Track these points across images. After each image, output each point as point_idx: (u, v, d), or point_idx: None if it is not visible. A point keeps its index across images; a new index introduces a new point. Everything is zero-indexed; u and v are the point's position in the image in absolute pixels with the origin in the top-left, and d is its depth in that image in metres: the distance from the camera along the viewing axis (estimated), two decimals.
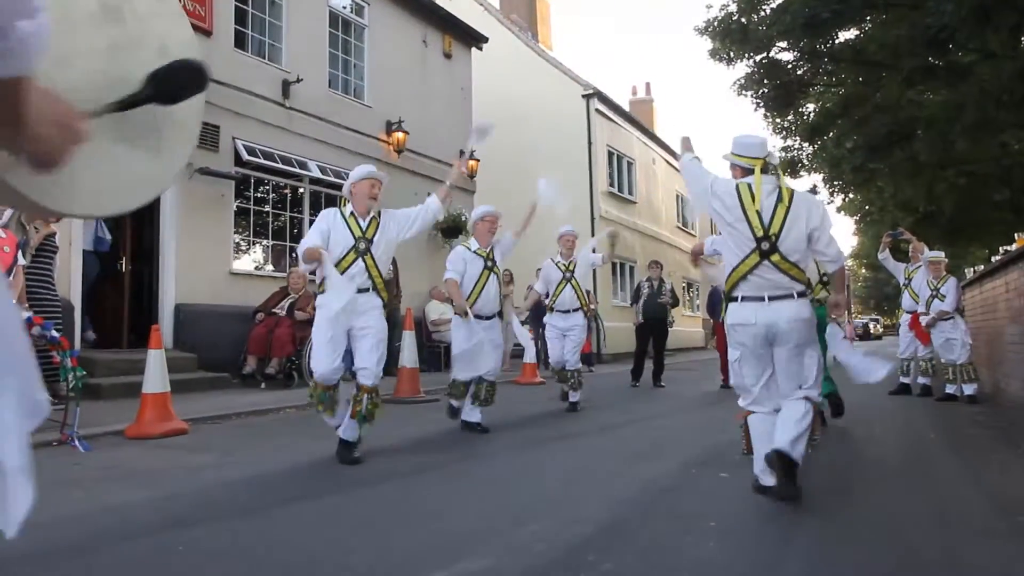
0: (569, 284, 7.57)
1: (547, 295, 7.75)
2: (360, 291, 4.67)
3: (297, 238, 11.34)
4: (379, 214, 4.95)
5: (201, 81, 1.33)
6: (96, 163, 1.23)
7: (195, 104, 1.43)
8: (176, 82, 1.28)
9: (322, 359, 4.65)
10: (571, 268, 7.62)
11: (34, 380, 1.08)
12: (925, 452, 5.43)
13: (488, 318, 6.10)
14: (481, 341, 5.92)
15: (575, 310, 7.55)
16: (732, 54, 13.05)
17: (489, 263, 6.15)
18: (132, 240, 9.80)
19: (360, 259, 4.72)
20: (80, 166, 1.13)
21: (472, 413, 6.13)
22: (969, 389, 8.32)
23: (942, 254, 8.98)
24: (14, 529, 1.06)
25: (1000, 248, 18.42)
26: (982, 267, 11.95)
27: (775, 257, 3.62)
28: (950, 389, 8.53)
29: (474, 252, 6.17)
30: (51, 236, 6.80)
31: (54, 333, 5.48)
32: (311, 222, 11.36)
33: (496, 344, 6.16)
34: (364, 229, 4.79)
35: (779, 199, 3.68)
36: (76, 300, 8.32)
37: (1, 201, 1.31)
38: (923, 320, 8.76)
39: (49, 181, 1.11)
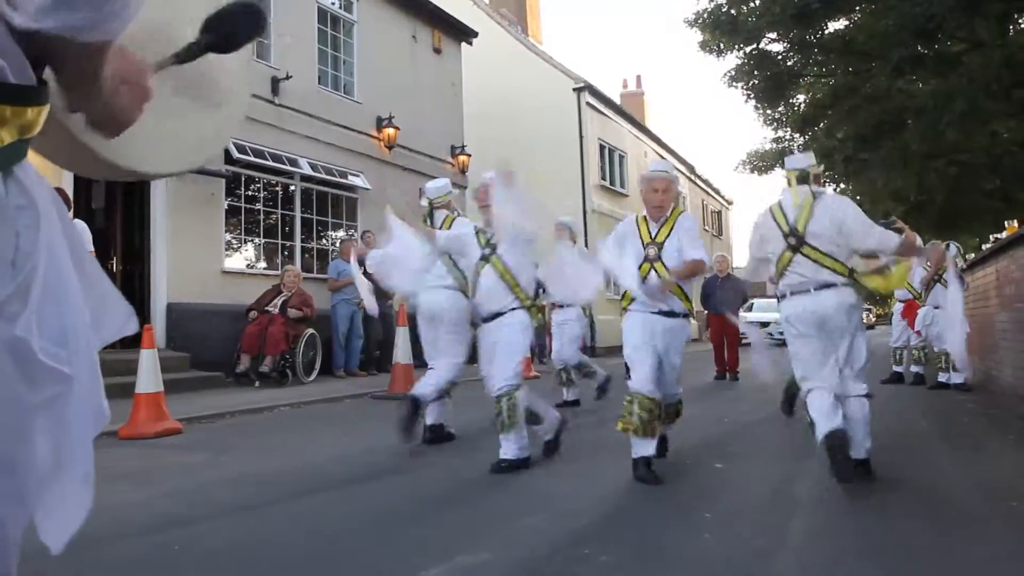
0: None
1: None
2: None
3: (289, 236, 11.32)
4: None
5: (258, 23, 1.23)
6: (164, 121, 1.21)
7: (243, 55, 1.38)
8: (231, 27, 1.20)
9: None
10: None
11: (98, 386, 1.04)
12: (917, 440, 5.46)
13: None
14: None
15: (568, 305, 7.21)
16: (722, 46, 13.02)
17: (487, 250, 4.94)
18: (123, 240, 9.75)
19: None
20: (151, 125, 1.11)
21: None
22: (959, 378, 8.37)
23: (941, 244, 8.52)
24: (63, 543, 1.02)
25: (991, 236, 18.52)
26: (973, 256, 12.00)
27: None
28: (942, 377, 8.59)
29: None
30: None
31: None
32: (303, 220, 11.43)
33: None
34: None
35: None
36: None
37: (73, 167, 1.28)
38: (920, 312, 8.77)
39: (122, 141, 1.08)
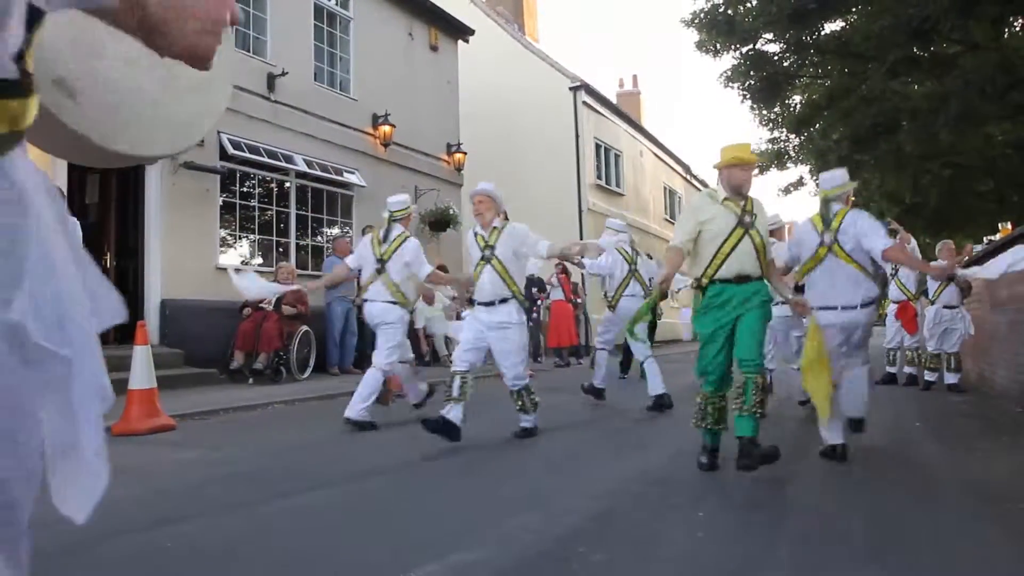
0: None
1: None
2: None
3: (284, 232, 11.29)
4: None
5: None
6: (152, 103, 1.22)
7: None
8: None
9: None
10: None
11: (101, 364, 1.09)
12: (911, 441, 5.48)
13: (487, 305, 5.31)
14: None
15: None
16: (718, 46, 13.04)
17: (487, 252, 5.29)
18: (116, 235, 9.71)
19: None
20: (137, 105, 1.13)
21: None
22: (952, 378, 8.42)
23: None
24: (86, 514, 1.08)
25: (985, 238, 18.59)
26: (967, 258, 12.04)
27: None
28: (930, 377, 8.66)
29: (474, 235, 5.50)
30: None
31: None
32: (298, 216, 11.41)
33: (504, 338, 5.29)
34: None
35: None
36: None
37: (67, 157, 1.31)
38: (928, 312, 8.78)
39: (112, 126, 1.11)
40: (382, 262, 5.85)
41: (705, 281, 4.13)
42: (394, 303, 5.84)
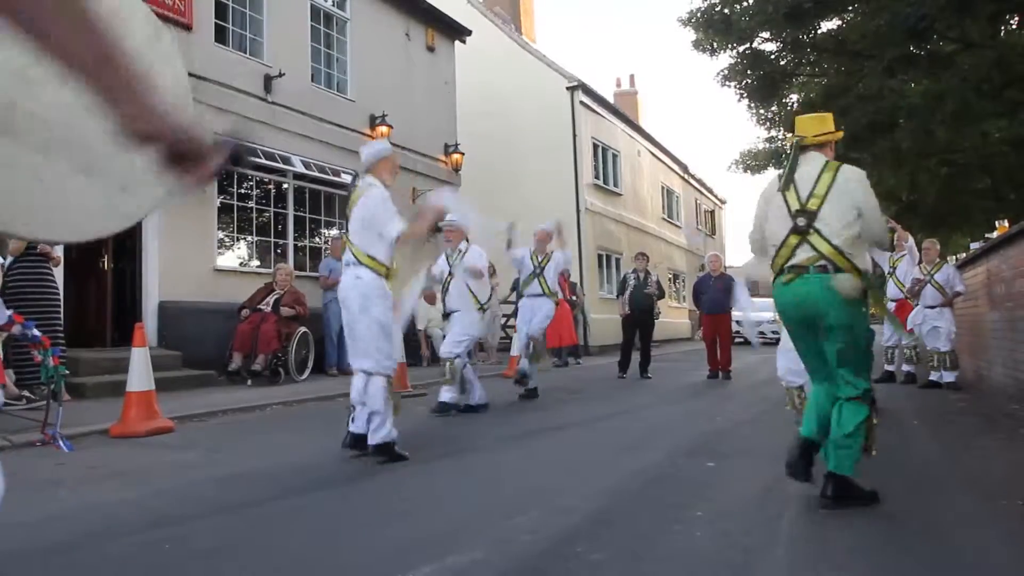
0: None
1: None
2: None
3: (282, 233, 11.29)
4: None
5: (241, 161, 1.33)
6: (61, 191, 1.24)
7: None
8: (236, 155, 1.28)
9: None
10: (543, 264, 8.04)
11: None
12: (908, 438, 5.49)
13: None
14: None
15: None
16: (715, 45, 13.05)
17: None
18: (114, 238, 9.70)
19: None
20: (46, 194, 1.15)
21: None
22: (949, 376, 8.43)
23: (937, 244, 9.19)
24: None
25: (983, 235, 18.64)
26: (964, 255, 12.08)
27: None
28: (933, 376, 8.65)
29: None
30: None
31: (35, 332, 5.42)
32: (295, 218, 11.41)
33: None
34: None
35: None
36: None
37: None
38: (912, 313, 8.82)
39: (16, 208, 1.13)
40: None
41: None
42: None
